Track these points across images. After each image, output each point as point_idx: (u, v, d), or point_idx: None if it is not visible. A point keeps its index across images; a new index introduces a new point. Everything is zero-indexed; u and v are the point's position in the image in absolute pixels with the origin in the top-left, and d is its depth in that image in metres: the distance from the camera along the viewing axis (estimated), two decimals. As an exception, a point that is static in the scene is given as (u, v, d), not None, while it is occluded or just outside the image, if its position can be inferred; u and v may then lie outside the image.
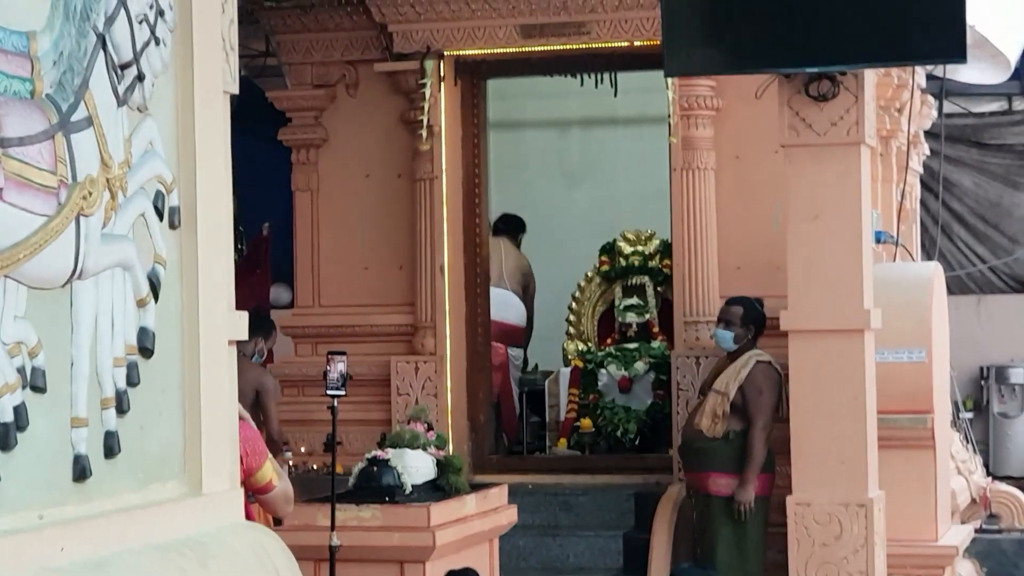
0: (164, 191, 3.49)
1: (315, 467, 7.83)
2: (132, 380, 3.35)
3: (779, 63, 6.63)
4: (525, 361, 10.10)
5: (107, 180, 3.25)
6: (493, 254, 9.31)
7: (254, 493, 4.75)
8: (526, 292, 10.03)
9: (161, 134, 3.48)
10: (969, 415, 11.01)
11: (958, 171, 12.10)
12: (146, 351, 3.40)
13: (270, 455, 4.88)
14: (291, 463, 7.69)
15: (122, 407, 3.31)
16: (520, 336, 9.91)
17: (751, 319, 7.34)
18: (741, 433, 7.21)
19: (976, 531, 8.36)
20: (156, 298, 3.44)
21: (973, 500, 8.57)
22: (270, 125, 8.81)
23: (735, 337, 7.34)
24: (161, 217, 3.48)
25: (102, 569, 3.09)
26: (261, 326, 7.74)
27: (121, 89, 3.33)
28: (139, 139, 3.40)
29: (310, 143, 8.67)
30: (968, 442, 9.16)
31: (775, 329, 6.94)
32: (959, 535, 7.70)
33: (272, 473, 4.82)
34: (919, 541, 7.24)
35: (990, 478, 9.08)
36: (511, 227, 10.11)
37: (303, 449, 8.13)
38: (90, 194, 3.18)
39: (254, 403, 7.56)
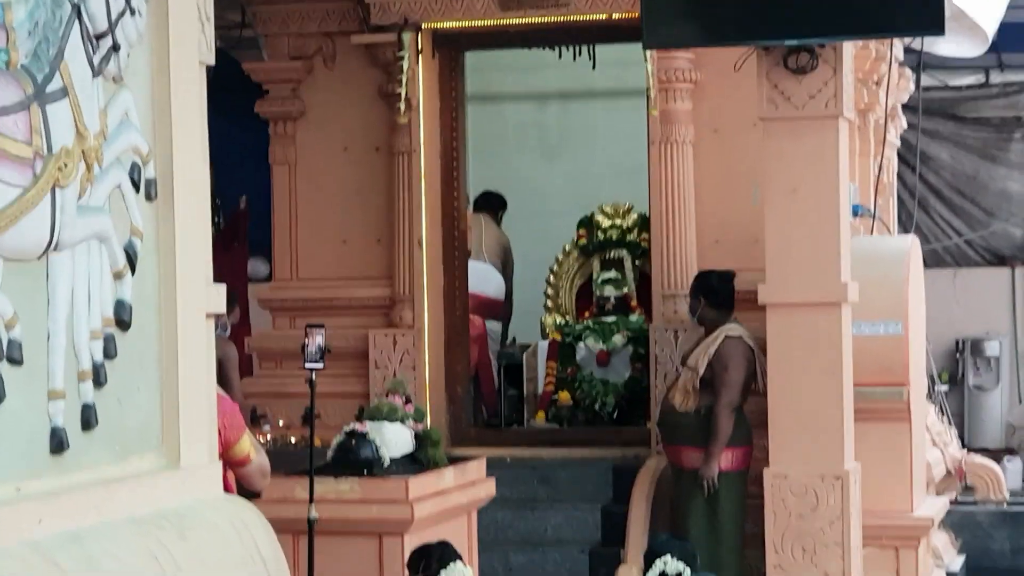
0: (140, 163, 3.47)
1: (293, 440, 7.82)
2: (109, 353, 3.34)
3: (758, 35, 6.62)
4: (504, 335, 10.10)
5: (83, 151, 3.23)
6: (473, 229, 9.29)
7: (231, 466, 4.75)
8: (505, 268, 10.02)
9: (137, 105, 3.46)
10: (944, 388, 11.05)
11: (935, 144, 12.12)
12: (123, 324, 3.39)
13: (247, 429, 4.89)
14: (269, 436, 7.69)
15: (99, 380, 3.30)
16: (498, 309, 9.90)
17: (701, 290, 7.39)
18: (712, 408, 7.23)
19: (951, 503, 8.41)
20: (133, 270, 3.43)
21: (948, 472, 8.61)
22: (247, 97, 8.76)
23: (689, 308, 7.41)
24: (137, 189, 3.46)
25: (80, 541, 3.08)
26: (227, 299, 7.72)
27: (96, 59, 3.30)
28: (115, 110, 3.38)
29: (287, 116, 8.63)
30: (943, 414, 9.20)
31: (752, 302, 6.96)
32: (934, 507, 7.75)
33: (249, 447, 4.83)
34: (895, 512, 7.28)
35: (965, 450, 9.12)
36: (491, 204, 10.10)
37: (281, 422, 8.12)
38: (66, 165, 3.16)
39: (218, 375, 7.53)
